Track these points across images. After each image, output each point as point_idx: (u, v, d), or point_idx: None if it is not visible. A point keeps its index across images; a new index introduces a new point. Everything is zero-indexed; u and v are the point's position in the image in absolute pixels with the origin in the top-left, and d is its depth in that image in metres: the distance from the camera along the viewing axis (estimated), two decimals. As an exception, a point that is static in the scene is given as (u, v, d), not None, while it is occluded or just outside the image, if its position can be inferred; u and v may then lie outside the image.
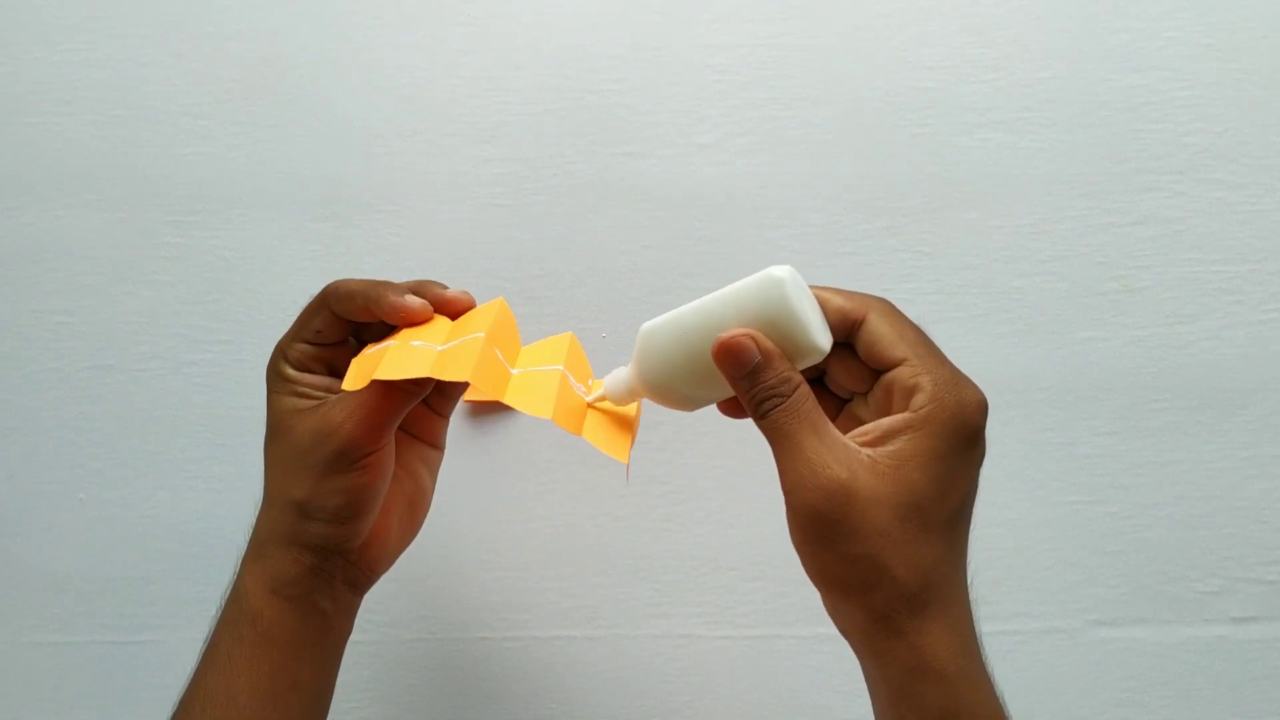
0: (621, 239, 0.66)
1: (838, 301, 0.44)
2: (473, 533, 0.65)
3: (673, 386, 0.46)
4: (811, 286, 0.44)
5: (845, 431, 0.42)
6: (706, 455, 0.65)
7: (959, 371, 0.42)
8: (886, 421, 0.41)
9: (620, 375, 0.48)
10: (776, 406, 0.42)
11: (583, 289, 0.66)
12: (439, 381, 0.46)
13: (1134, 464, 0.64)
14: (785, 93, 0.66)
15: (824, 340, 0.43)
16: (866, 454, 0.41)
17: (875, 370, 0.43)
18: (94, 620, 0.66)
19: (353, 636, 0.65)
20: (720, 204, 0.66)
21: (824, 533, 0.40)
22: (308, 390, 0.48)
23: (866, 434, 0.41)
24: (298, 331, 0.49)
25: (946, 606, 0.41)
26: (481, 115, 0.66)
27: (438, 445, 0.54)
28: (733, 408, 0.47)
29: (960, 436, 0.41)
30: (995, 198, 0.65)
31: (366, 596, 0.65)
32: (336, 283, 0.49)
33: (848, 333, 0.44)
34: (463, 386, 0.52)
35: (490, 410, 0.65)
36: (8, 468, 0.66)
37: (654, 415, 0.65)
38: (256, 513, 0.49)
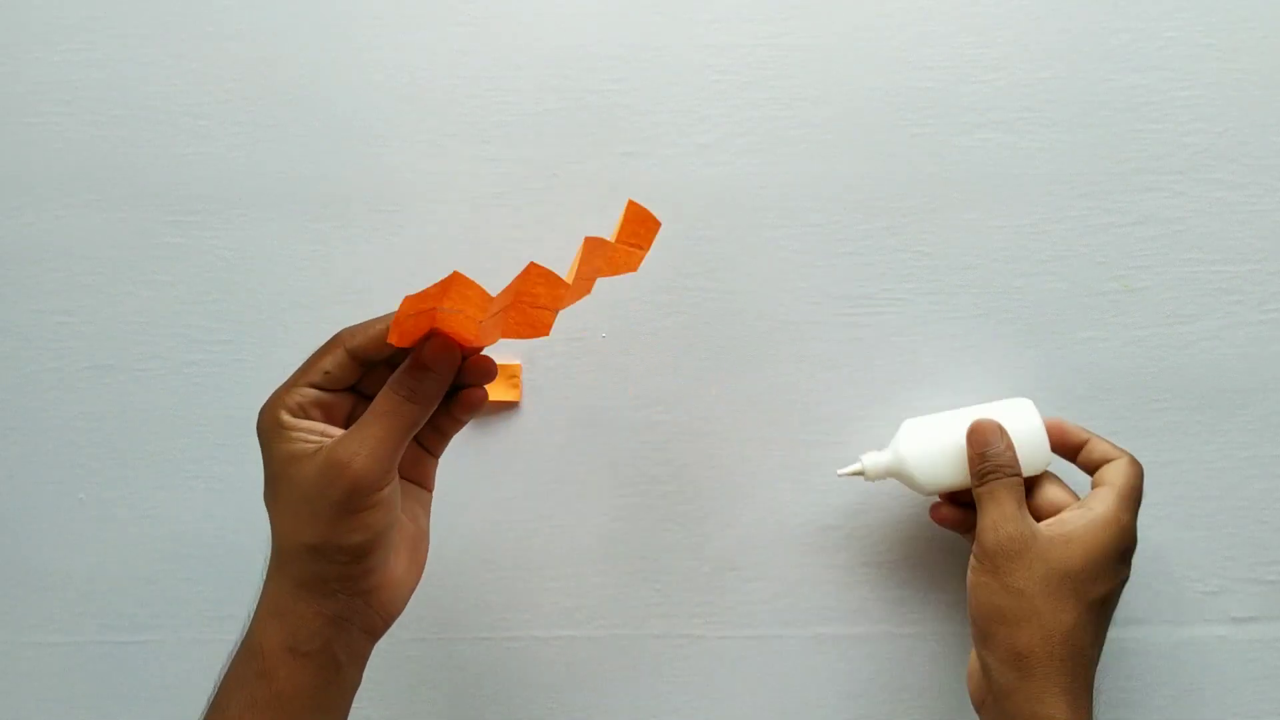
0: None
1: (1104, 446, 0.59)
2: (473, 533, 0.65)
3: (922, 469, 0.59)
4: (1085, 430, 0.60)
5: None
6: (706, 455, 0.65)
7: (1135, 517, 0.55)
8: (1068, 514, 0.55)
9: (879, 457, 0.60)
10: (997, 478, 0.55)
11: (583, 289, 0.66)
12: (434, 417, 0.49)
13: (1134, 464, 0.64)
14: (785, 93, 0.66)
15: (1049, 458, 0.59)
16: (1045, 530, 0.54)
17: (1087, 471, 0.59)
18: (94, 620, 0.66)
19: (353, 636, 0.65)
20: (720, 204, 0.66)
21: (998, 565, 0.53)
22: (305, 436, 0.47)
23: (1049, 523, 0.55)
24: (300, 377, 0.49)
25: (1075, 674, 0.51)
26: (481, 115, 0.66)
27: (428, 486, 0.54)
28: (944, 512, 0.60)
29: (1117, 544, 0.54)
30: (995, 198, 0.65)
31: (366, 596, 0.65)
32: (346, 328, 0.50)
33: (1097, 464, 0.58)
34: (459, 424, 0.53)
35: (490, 410, 0.65)
36: (8, 468, 0.66)
37: (654, 415, 0.65)
38: (264, 569, 0.48)
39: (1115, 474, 0.56)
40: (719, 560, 0.65)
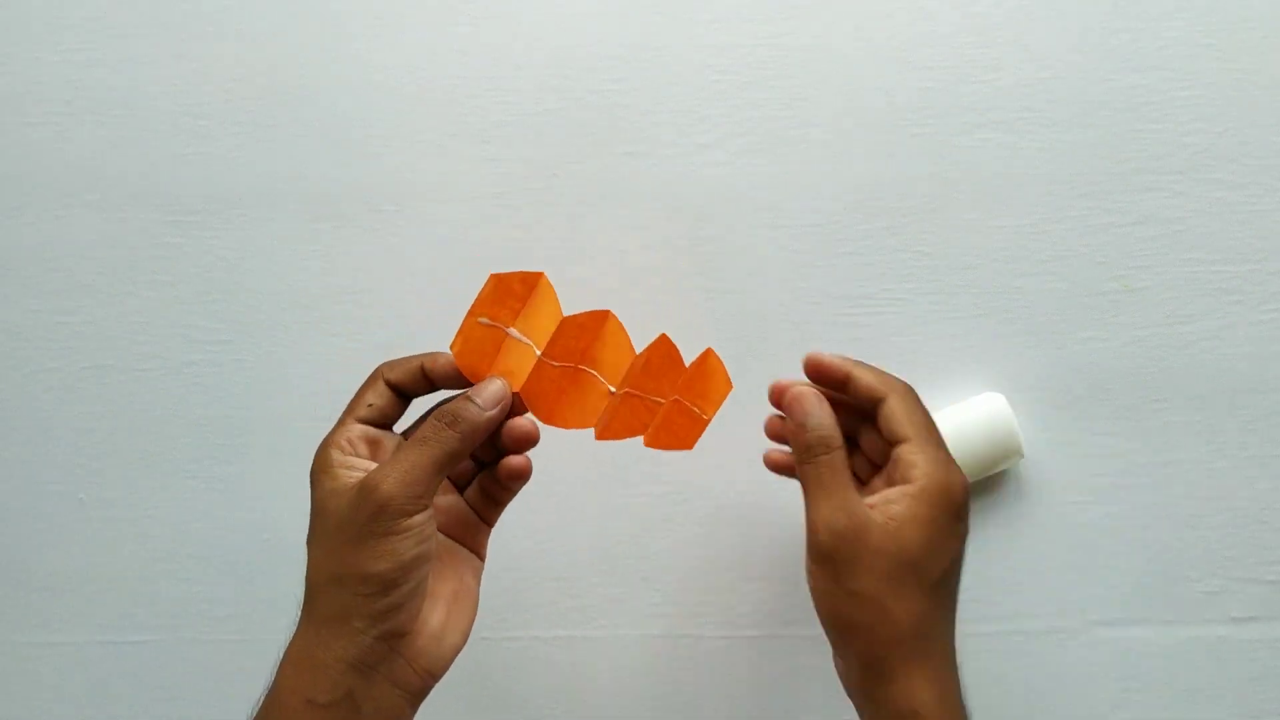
0: (621, 239, 0.66)
1: (868, 378, 0.50)
2: (473, 533, 0.65)
3: None
4: (847, 359, 0.51)
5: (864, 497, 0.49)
6: (706, 455, 0.65)
7: (951, 458, 0.49)
8: (892, 491, 0.48)
9: None
10: (818, 456, 0.49)
11: (583, 289, 0.66)
12: (485, 483, 0.51)
13: (1134, 464, 0.64)
14: (785, 93, 0.66)
15: (1022, 447, 0.61)
16: (877, 517, 0.47)
17: (889, 444, 0.50)
18: (94, 620, 0.66)
19: (353, 636, 0.65)
20: (720, 204, 0.66)
21: (837, 569, 0.47)
22: (349, 471, 0.46)
23: (874, 502, 0.48)
24: (347, 414, 0.49)
25: (933, 659, 0.47)
26: (481, 115, 0.66)
27: (480, 554, 0.53)
28: (779, 458, 0.55)
29: (948, 510, 0.48)
30: (995, 198, 0.65)
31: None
32: (386, 361, 0.50)
33: (872, 406, 0.50)
34: (510, 493, 0.52)
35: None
36: (8, 468, 0.66)
37: (654, 415, 0.65)
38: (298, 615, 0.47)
39: (899, 421, 0.49)
40: (719, 560, 0.65)
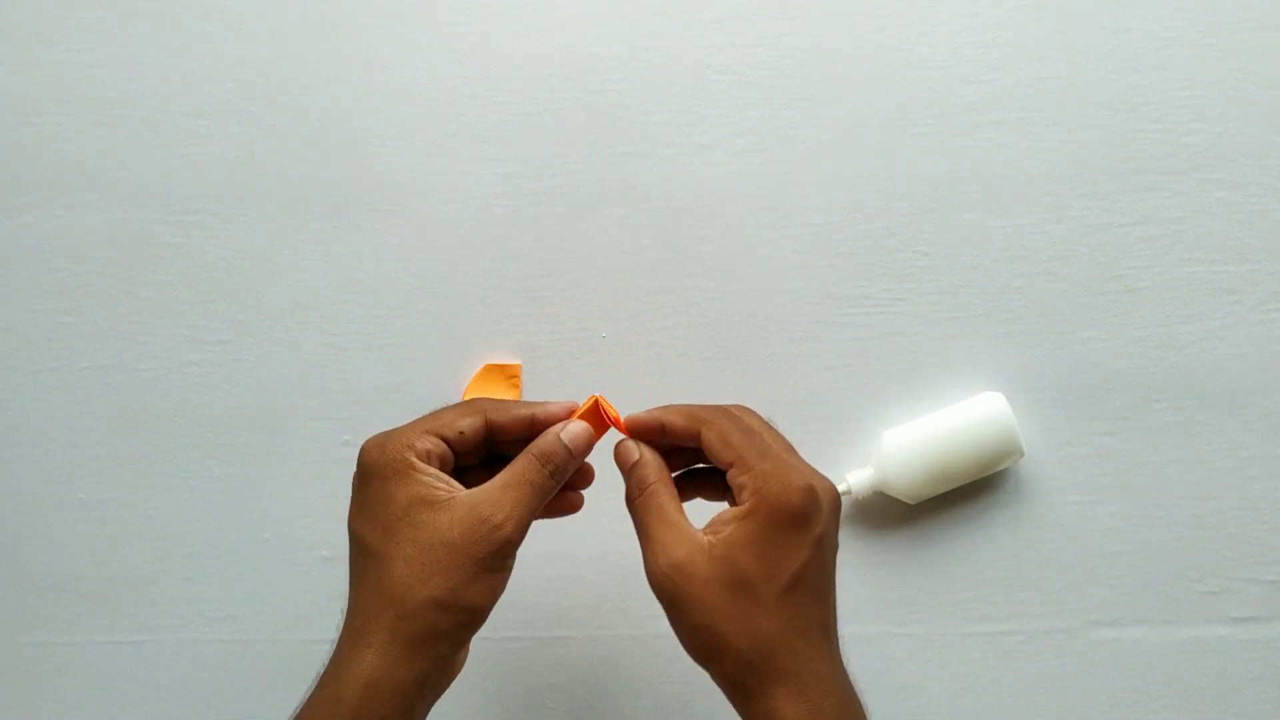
0: (621, 239, 0.66)
1: (678, 421, 0.50)
2: (473, 533, 0.65)
3: (904, 482, 0.61)
4: (658, 409, 0.51)
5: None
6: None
7: (787, 465, 0.48)
8: (722, 515, 0.48)
9: (862, 475, 0.62)
10: (634, 500, 0.49)
11: (583, 289, 0.66)
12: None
13: (1134, 464, 0.64)
14: (785, 93, 0.66)
15: (1022, 447, 0.62)
16: (709, 539, 0.47)
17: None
18: (94, 620, 0.66)
19: (353, 636, 0.65)
20: (720, 204, 0.66)
21: (670, 607, 0.47)
22: (434, 483, 0.47)
23: (711, 525, 0.48)
24: (431, 426, 0.48)
25: (794, 675, 0.46)
26: (481, 115, 0.66)
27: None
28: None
29: (782, 521, 0.46)
30: (995, 198, 0.65)
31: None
32: (487, 398, 0.51)
33: (697, 445, 0.50)
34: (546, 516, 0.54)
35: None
36: (8, 468, 0.66)
37: (654, 415, 0.65)
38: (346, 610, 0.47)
39: (718, 449, 0.48)
40: (719, 560, 0.65)
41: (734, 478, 0.48)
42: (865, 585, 0.64)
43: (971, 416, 0.62)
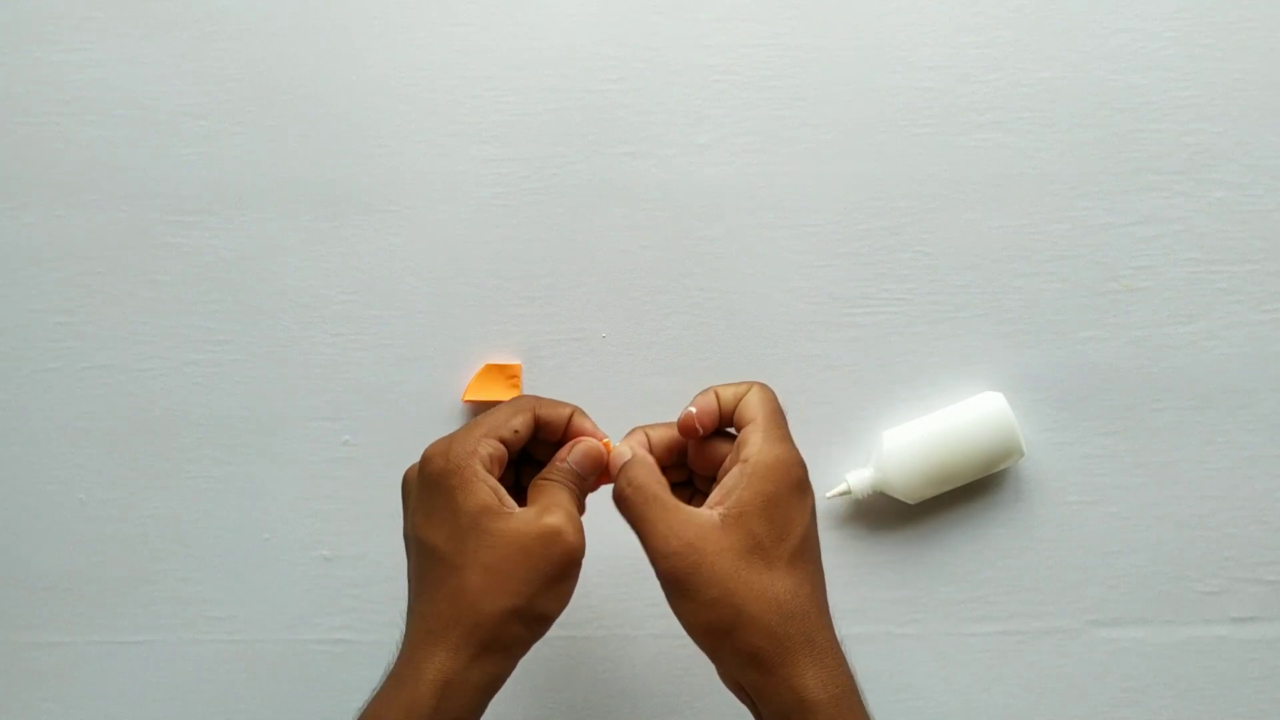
0: (621, 239, 0.66)
1: (730, 389, 0.52)
2: (473, 533, 0.65)
3: (903, 481, 0.61)
4: (713, 388, 0.52)
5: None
6: (706, 455, 0.65)
7: (787, 438, 0.50)
8: (728, 479, 0.49)
9: (862, 475, 0.62)
10: (628, 498, 0.49)
11: (583, 289, 0.66)
12: None
13: (1134, 464, 0.64)
14: (785, 93, 0.66)
15: (1022, 446, 0.62)
16: (717, 512, 0.48)
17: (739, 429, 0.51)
18: (94, 620, 0.66)
19: (353, 637, 0.65)
20: (720, 204, 0.66)
21: (684, 587, 0.47)
22: (498, 492, 0.48)
23: (714, 498, 0.49)
24: (490, 430, 0.49)
25: (810, 642, 0.46)
26: (481, 115, 0.66)
27: None
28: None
29: (787, 482, 0.48)
30: (995, 198, 0.65)
31: (367, 597, 0.65)
32: (533, 395, 0.52)
33: (734, 408, 0.51)
34: None
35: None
36: (8, 468, 0.66)
37: (654, 415, 0.65)
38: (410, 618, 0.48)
39: (750, 408, 0.50)
40: (719, 560, 0.65)
41: (747, 433, 0.49)
42: (865, 585, 0.64)
43: (971, 416, 0.62)
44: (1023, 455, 0.62)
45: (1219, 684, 0.63)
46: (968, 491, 0.63)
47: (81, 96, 0.67)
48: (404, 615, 0.50)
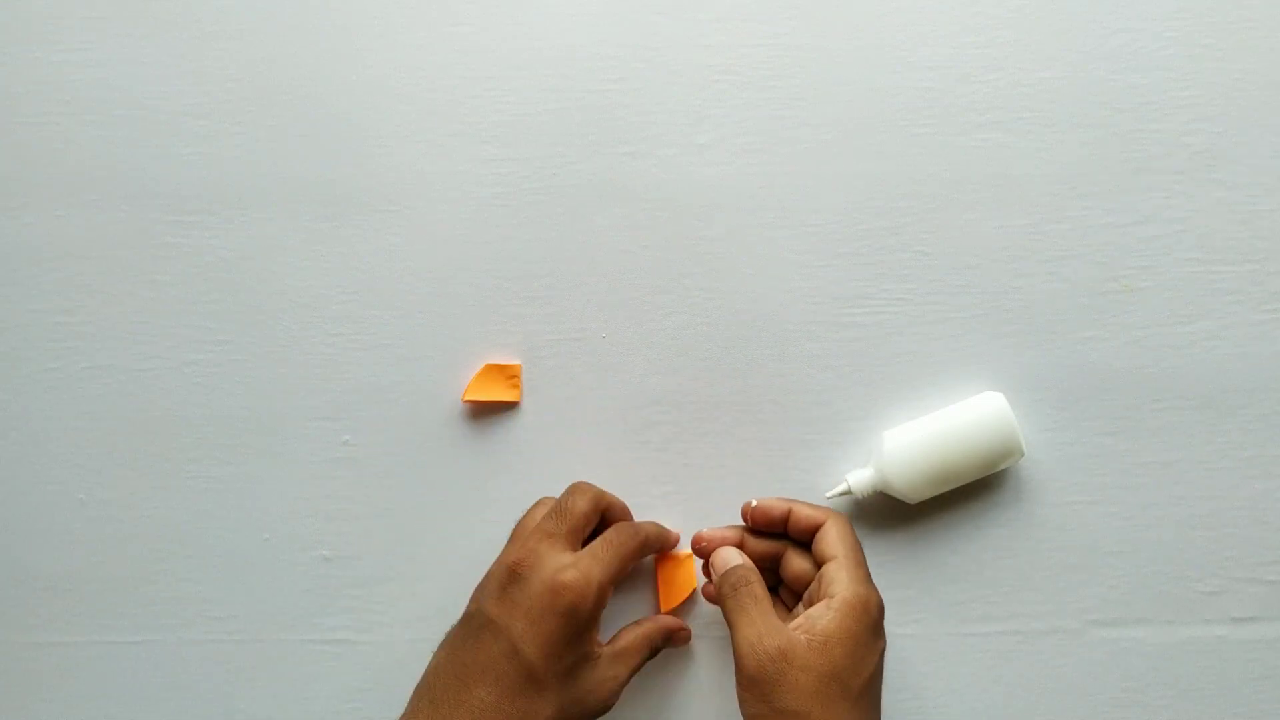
0: (621, 239, 0.66)
1: (807, 511, 0.59)
2: (473, 533, 0.65)
3: (904, 482, 0.61)
4: (783, 500, 0.60)
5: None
6: (706, 455, 0.65)
7: (869, 578, 0.56)
8: (815, 608, 0.54)
9: (862, 475, 0.62)
10: (737, 591, 0.55)
11: (583, 289, 0.66)
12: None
13: (1134, 464, 0.64)
14: (785, 93, 0.66)
15: (1022, 446, 0.62)
16: (805, 637, 0.53)
17: (816, 565, 0.57)
18: (94, 620, 0.66)
19: (353, 637, 0.65)
20: (720, 204, 0.66)
21: (765, 690, 0.52)
22: (597, 642, 0.57)
23: (799, 625, 0.54)
24: (621, 567, 0.57)
25: None
26: (481, 115, 0.66)
27: None
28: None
29: (868, 624, 0.54)
30: (995, 198, 0.65)
31: (367, 597, 0.65)
32: (591, 485, 0.60)
33: (811, 532, 0.58)
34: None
35: (490, 410, 0.65)
36: (8, 468, 0.66)
37: (654, 415, 0.65)
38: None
39: (831, 543, 0.56)
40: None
41: (831, 570, 0.55)
42: (865, 585, 0.64)
43: (971, 416, 0.62)
44: (1023, 455, 0.62)
45: (1219, 684, 0.63)
46: (968, 491, 0.63)
47: (81, 96, 0.67)
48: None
